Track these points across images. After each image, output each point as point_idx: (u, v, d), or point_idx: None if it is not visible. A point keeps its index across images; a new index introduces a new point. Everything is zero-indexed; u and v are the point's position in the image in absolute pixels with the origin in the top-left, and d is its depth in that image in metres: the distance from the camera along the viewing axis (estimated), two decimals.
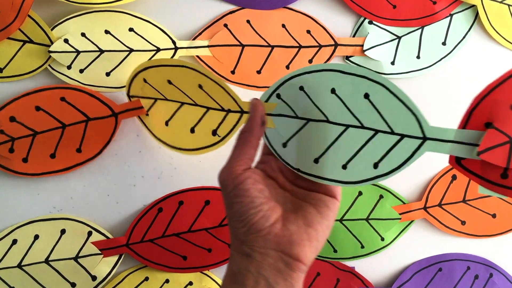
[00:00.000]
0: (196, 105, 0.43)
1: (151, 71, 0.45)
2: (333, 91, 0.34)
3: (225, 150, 0.54)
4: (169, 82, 0.44)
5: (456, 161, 0.31)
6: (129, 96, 0.49)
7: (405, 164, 0.32)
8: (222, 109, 0.42)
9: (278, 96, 0.37)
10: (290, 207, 0.36)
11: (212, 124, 0.43)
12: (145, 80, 0.46)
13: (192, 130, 0.44)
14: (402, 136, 0.32)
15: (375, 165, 0.33)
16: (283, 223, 0.34)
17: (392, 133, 0.32)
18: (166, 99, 0.46)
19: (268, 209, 0.34)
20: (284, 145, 0.37)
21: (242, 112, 0.41)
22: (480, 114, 0.29)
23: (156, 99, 0.47)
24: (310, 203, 0.36)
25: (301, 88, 0.36)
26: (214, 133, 0.43)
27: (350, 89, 0.34)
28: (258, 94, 0.54)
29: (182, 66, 0.42)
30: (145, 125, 0.50)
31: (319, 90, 0.35)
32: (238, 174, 0.35)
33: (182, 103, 0.45)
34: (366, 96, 0.33)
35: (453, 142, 0.30)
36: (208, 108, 0.43)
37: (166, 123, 0.47)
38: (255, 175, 0.36)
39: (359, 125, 0.34)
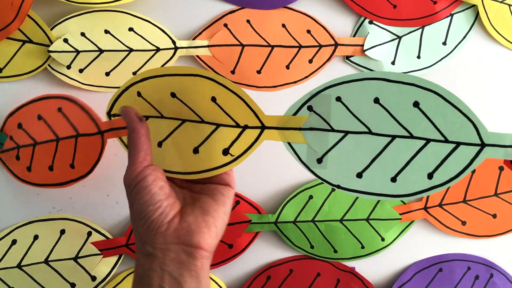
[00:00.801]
0: (202, 122, 0.38)
1: (150, 82, 0.39)
2: (376, 100, 0.32)
3: None
4: (173, 95, 0.38)
5: None
6: (109, 115, 0.43)
7: (464, 172, 0.30)
8: (237, 125, 0.37)
9: (310, 108, 0.35)
10: (189, 202, 0.37)
11: (223, 143, 0.38)
12: (139, 94, 0.40)
13: (196, 150, 0.39)
14: (458, 143, 0.31)
15: (430, 176, 0.31)
16: (181, 217, 0.35)
17: (446, 141, 0.31)
18: (163, 117, 0.40)
19: (167, 205, 0.35)
20: (319, 160, 0.35)
21: (263, 127, 0.37)
22: None
23: (147, 117, 0.40)
24: (206, 194, 0.38)
25: (338, 99, 0.33)
26: (226, 152, 0.38)
27: (397, 97, 0.32)
28: (258, 94, 0.54)
29: (195, 75, 0.37)
30: (127, 147, 0.42)
31: (360, 100, 0.33)
32: (138, 172, 0.35)
33: (184, 121, 0.39)
34: (416, 104, 0.31)
35: (511, 147, 0.30)
36: (218, 125, 0.38)
37: (159, 144, 0.40)
38: (156, 172, 0.36)
39: (408, 135, 0.32)
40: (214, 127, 0.38)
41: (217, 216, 0.36)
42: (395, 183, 0.33)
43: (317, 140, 0.35)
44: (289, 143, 0.36)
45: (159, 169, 0.37)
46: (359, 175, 0.33)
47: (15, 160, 0.51)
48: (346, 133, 0.34)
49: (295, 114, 0.36)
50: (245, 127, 0.37)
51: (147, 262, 0.35)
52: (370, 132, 0.33)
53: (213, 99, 0.37)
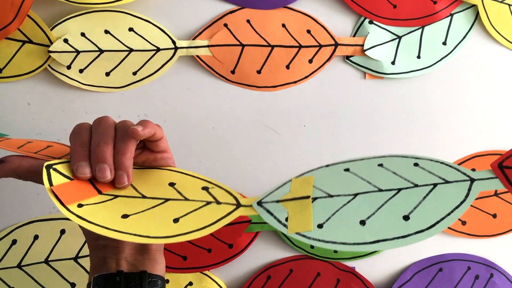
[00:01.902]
0: (167, 200, 0.35)
1: None
2: (380, 165, 0.33)
3: (225, 147, 0.54)
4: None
5: (499, 167, 0.30)
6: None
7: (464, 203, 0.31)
8: (208, 203, 0.34)
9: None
10: None
11: (204, 216, 0.33)
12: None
13: (176, 220, 0.33)
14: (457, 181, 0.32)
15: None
16: None
17: (447, 182, 0.31)
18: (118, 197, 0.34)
19: None
20: (320, 226, 0.31)
21: (238, 206, 0.34)
22: None
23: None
24: None
25: (346, 170, 0.33)
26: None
27: (399, 162, 0.33)
28: (258, 94, 0.54)
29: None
30: (77, 216, 0.31)
31: (366, 168, 0.33)
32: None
33: (144, 196, 0.35)
34: (416, 164, 0.33)
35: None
36: (186, 198, 0.35)
37: (125, 216, 0.32)
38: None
39: (412, 185, 0.32)
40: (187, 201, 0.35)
41: None
42: (407, 221, 0.30)
43: (319, 208, 0.32)
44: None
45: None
46: (363, 223, 0.30)
47: None
48: (355, 195, 0.32)
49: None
50: (220, 203, 0.34)
51: (102, 253, 0.35)
52: (379, 190, 0.32)
53: (171, 184, 0.35)
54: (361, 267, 0.55)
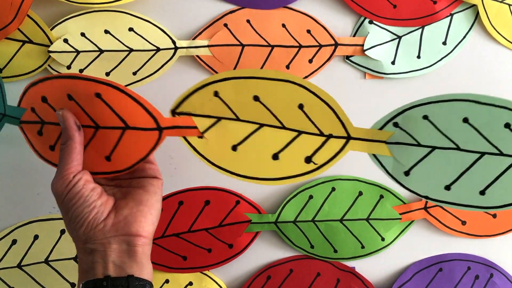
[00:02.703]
0: (283, 128, 0.36)
1: (231, 83, 0.37)
2: (465, 120, 0.33)
3: None
4: (256, 98, 0.36)
5: None
6: (174, 112, 0.40)
7: None
8: (321, 134, 0.36)
9: (396, 124, 0.35)
10: (120, 197, 0.40)
11: (305, 150, 0.36)
12: (216, 94, 0.37)
13: (276, 157, 0.37)
14: None
15: None
16: (116, 211, 0.38)
17: None
18: (238, 119, 0.37)
19: (101, 204, 0.37)
20: (407, 173, 0.35)
21: (348, 138, 0.35)
22: None
23: (220, 119, 0.38)
24: (136, 187, 0.40)
25: (425, 117, 0.34)
26: (308, 160, 0.36)
27: (487, 119, 0.32)
28: None
29: (285, 80, 0.35)
30: (194, 149, 0.40)
31: (448, 120, 0.33)
32: (69, 181, 0.37)
33: (262, 125, 0.37)
34: (507, 125, 0.32)
35: None
36: (300, 132, 0.36)
37: (234, 148, 0.38)
38: (86, 175, 0.38)
39: (498, 152, 0.32)
40: (295, 134, 0.36)
41: (151, 205, 0.39)
42: (484, 196, 0.33)
43: (404, 154, 0.35)
44: (375, 156, 0.36)
45: (87, 172, 0.39)
46: (447, 188, 0.34)
47: (36, 134, 0.43)
48: (433, 148, 0.34)
49: (381, 129, 0.36)
50: (330, 136, 0.36)
51: (90, 258, 0.36)
52: (458, 148, 0.33)
53: (300, 106, 0.36)
54: (361, 267, 0.55)
